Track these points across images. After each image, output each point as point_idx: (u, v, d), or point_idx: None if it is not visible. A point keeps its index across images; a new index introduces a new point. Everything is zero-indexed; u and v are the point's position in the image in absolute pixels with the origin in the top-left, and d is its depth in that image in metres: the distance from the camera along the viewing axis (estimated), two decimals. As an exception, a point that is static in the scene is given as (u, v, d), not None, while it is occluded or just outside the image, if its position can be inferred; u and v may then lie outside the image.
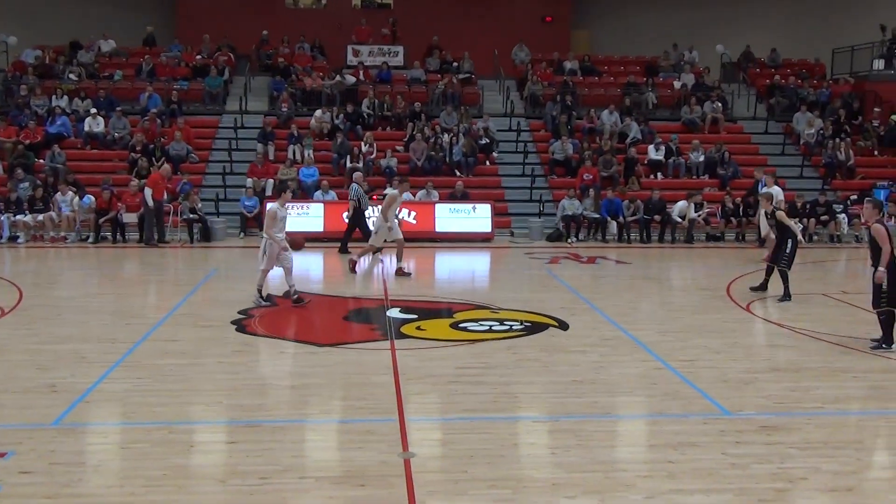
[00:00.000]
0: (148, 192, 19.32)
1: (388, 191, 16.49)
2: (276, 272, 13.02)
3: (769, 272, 13.84)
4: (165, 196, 19.90)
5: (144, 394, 8.27)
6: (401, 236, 15.79)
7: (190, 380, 8.82)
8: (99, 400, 8.10)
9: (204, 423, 7.64)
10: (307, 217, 20.29)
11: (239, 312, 11.99)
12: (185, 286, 14.51)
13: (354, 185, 18.64)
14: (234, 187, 21.95)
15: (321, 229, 20.11)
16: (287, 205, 13.49)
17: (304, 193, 21.43)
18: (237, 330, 11.07)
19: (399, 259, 15.68)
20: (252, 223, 20.73)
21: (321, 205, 20.52)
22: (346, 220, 18.75)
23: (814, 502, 6.09)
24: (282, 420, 7.58)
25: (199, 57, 27.40)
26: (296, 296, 12.63)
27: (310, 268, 17.64)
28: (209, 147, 24.01)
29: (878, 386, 8.98)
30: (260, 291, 12.61)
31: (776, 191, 17.57)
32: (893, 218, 18.61)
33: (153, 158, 22.18)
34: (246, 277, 15.82)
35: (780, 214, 13.55)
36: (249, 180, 21.59)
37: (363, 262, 16.01)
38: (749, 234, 20.99)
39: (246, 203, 20.83)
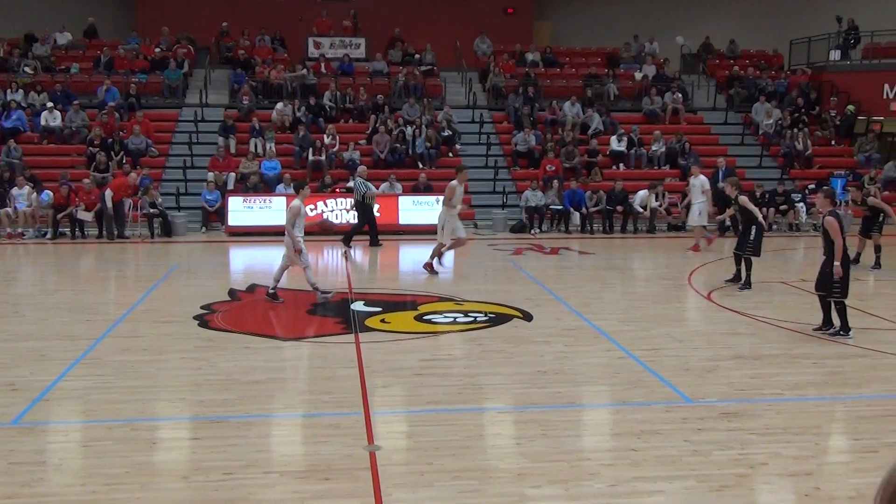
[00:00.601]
0: (108, 194, 19.07)
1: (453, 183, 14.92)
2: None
3: (738, 261, 13.78)
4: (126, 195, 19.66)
5: (106, 391, 8.17)
6: (463, 234, 15.03)
7: (152, 376, 8.74)
8: (59, 398, 8.00)
9: (167, 420, 7.57)
10: (269, 210, 20.14)
11: (202, 307, 11.89)
12: (146, 282, 14.36)
13: (358, 179, 18.54)
14: (194, 181, 21.73)
15: (284, 223, 19.93)
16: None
17: (266, 187, 21.28)
18: (200, 325, 10.98)
19: (436, 254, 14.88)
20: (214, 217, 20.55)
21: (283, 198, 20.37)
22: (355, 216, 18.66)
23: (774, 487, 6.19)
24: (246, 415, 7.53)
25: (157, 49, 27.05)
26: (303, 293, 12.50)
27: (274, 261, 17.54)
28: (169, 141, 23.74)
29: (835, 372, 9.13)
30: (315, 286, 12.34)
31: (702, 180, 17.83)
32: (850, 204, 18.87)
33: (112, 153, 21.90)
34: (207, 273, 15.72)
35: (744, 199, 13.54)
36: (210, 174, 21.39)
37: (436, 264, 15.02)
38: (710, 223, 21.20)
39: (207, 197, 20.63)
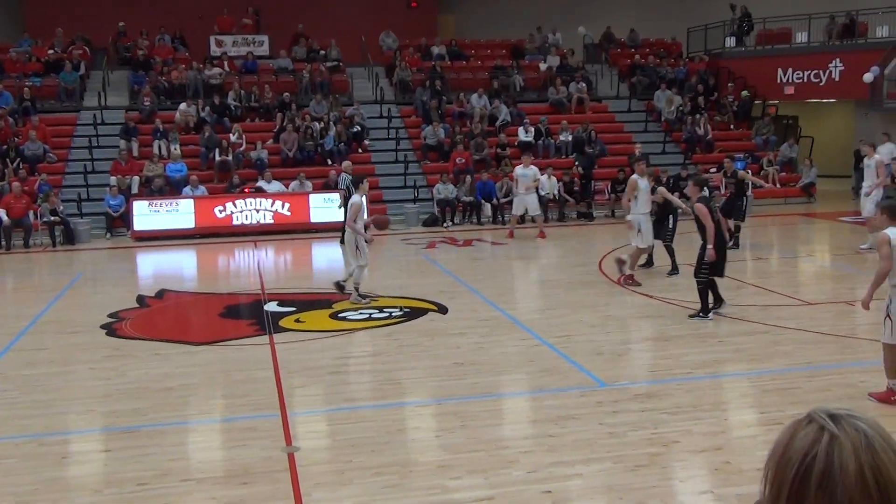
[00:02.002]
0: (1, 212, 18.46)
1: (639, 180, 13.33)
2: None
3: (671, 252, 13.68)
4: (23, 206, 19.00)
5: (10, 407, 7.89)
6: (651, 242, 13.46)
7: (59, 389, 8.48)
8: (-40, 417, 7.69)
9: (76, 433, 7.36)
10: (177, 214, 19.71)
11: (109, 316, 11.57)
12: (50, 292, 13.86)
13: (344, 175, 18.25)
14: (96, 186, 21.10)
15: (192, 226, 19.60)
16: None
17: (171, 189, 20.80)
18: (108, 334, 10.69)
19: (631, 265, 13.25)
20: (119, 223, 20.00)
21: (191, 200, 19.97)
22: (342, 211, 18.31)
23: (686, 464, 6.37)
24: (159, 423, 7.37)
25: (51, 51, 26.10)
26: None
27: (183, 266, 17.21)
28: (67, 146, 22.97)
29: (740, 349, 9.45)
30: (357, 289, 11.97)
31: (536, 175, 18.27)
32: (722, 177, 18.40)
33: (7, 160, 21.08)
34: (113, 280, 15.31)
35: (661, 190, 13.63)
36: (113, 178, 20.79)
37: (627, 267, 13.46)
38: (619, 209, 21.66)
39: (111, 202, 20.06)
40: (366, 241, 12.00)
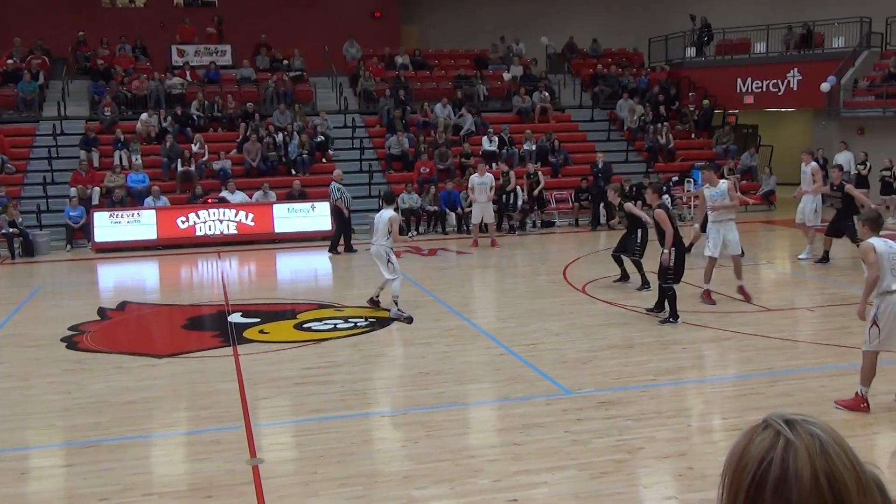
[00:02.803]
0: None
1: (707, 189, 12.68)
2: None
3: (619, 262, 13.69)
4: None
5: (-33, 423, 7.74)
6: (738, 251, 12.66)
7: (19, 403, 8.34)
8: (-85, 433, 7.53)
9: (36, 448, 7.24)
10: (138, 225, 19.49)
11: (69, 328, 11.40)
12: (8, 305, 13.62)
13: (333, 184, 18.14)
14: (56, 197, 20.82)
15: (154, 237, 19.40)
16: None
17: (132, 200, 20.57)
18: (68, 347, 10.53)
19: (737, 276, 12.52)
20: (79, 234, 19.73)
21: (153, 212, 19.77)
22: (332, 221, 18.53)
23: (650, 470, 6.42)
24: (121, 438, 7.28)
25: (10, 61, 25.74)
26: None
27: (145, 277, 17.02)
28: (27, 156, 22.64)
29: (703, 355, 9.56)
30: (396, 302, 11.67)
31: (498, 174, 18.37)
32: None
33: (-36, 171, 20.74)
34: (74, 293, 15.09)
35: (629, 206, 13.57)
36: (73, 189, 20.52)
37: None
38: (582, 218, 21.81)
39: (71, 213, 19.79)
40: (389, 260, 11.70)
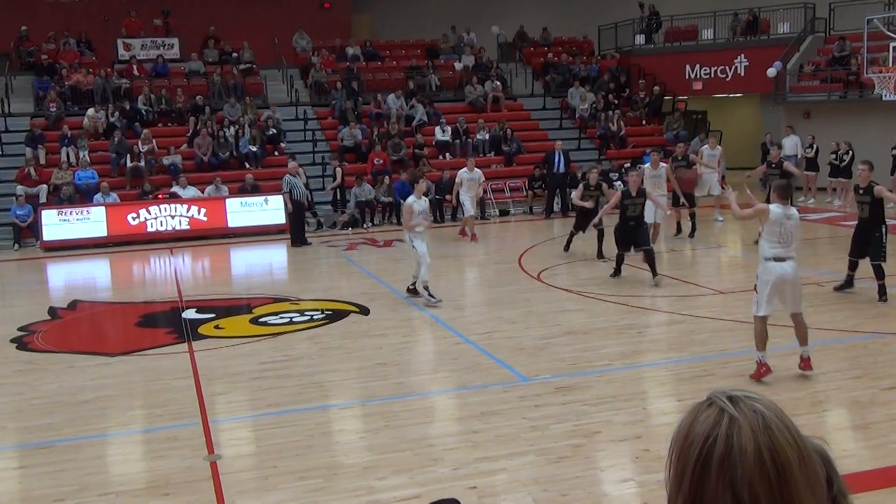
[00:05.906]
0: None
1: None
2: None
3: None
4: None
5: (-85, 428, 7.58)
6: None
7: (-32, 407, 8.17)
8: None
9: (-13, 452, 7.11)
10: (88, 222, 19.16)
11: (19, 329, 11.19)
12: (-45, 307, 13.36)
13: (287, 176, 17.89)
14: (2, 196, 20.37)
15: (104, 234, 19.09)
16: (422, 197, 12.06)
17: (81, 198, 20.22)
18: (18, 348, 10.35)
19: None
20: (27, 233, 19.35)
21: (102, 208, 19.45)
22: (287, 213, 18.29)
23: (608, 453, 6.51)
24: (76, 437, 7.18)
25: (-51, 57, 25.16)
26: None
27: (96, 275, 16.76)
28: (-30, 155, 22.15)
29: (657, 339, 9.69)
30: (428, 289, 11.61)
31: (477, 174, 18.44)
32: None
33: None
34: (23, 293, 14.81)
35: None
36: (20, 188, 20.10)
37: None
38: (537, 206, 21.92)
39: (18, 212, 19.39)
40: (417, 231, 11.68)
